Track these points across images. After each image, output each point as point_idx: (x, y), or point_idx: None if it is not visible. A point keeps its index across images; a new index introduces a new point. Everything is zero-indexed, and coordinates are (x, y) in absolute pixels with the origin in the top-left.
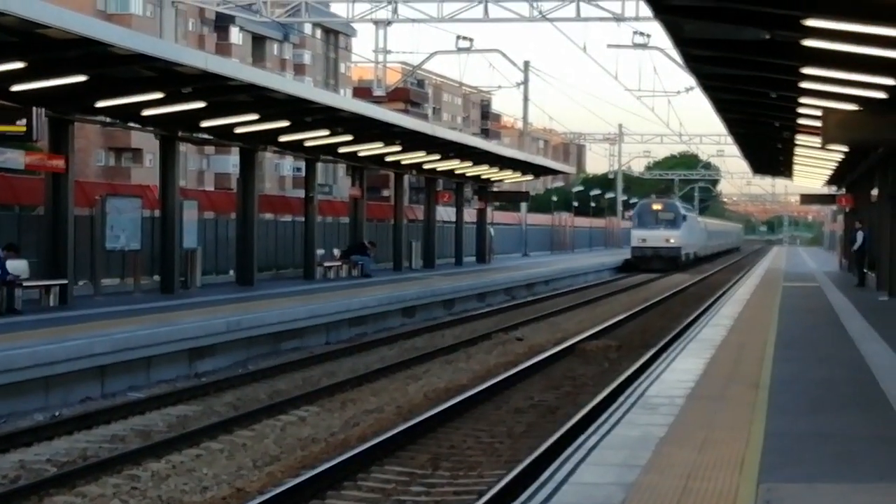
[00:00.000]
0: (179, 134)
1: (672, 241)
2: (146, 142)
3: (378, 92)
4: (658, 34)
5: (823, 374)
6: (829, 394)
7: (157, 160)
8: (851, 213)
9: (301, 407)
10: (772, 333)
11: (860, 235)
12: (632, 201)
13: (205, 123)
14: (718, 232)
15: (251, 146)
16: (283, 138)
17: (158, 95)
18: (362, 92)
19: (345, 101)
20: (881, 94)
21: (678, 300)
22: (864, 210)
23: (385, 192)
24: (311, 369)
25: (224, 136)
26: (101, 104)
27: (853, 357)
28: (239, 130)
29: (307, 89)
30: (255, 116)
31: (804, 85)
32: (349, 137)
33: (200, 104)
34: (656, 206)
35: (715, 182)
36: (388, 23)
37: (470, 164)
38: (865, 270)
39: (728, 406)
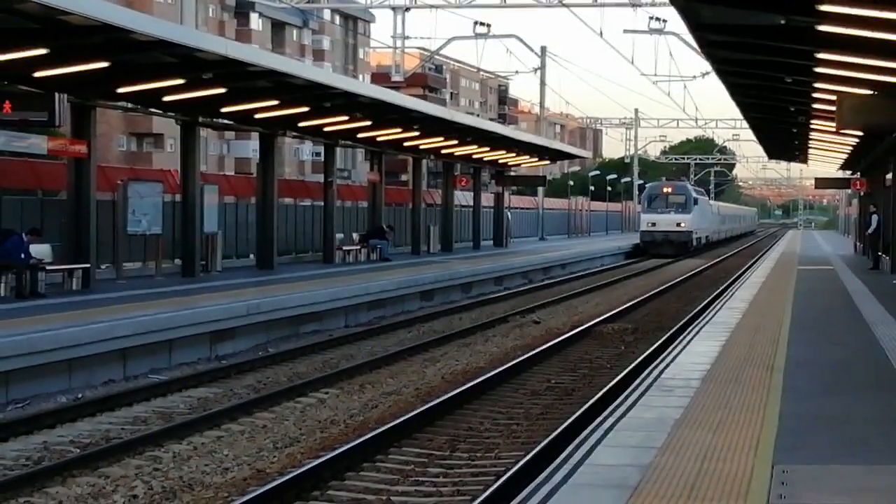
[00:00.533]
0: (200, 119)
1: (682, 225)
2: (167, 127)
3: (396, 77)
4: (674, 19)
5: (838, 356)
6: (844, 376)
7: (179, 145)
8: (866, 196)
9: (320, 389)
10: (787, 316)
11: (875, 219)
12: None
13: (225, 109)
14: (731, 215)
15: (271, 131)
16: (303, 123)
17: (179, 81)
18: (381, 77)
19: (363, 86)
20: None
21: (693, 283)
22: (878, 194)
23: (403, 177)
24: (331, 352)
25: (244, 122)
26: (122, 90)
27: (868, 340)
28: (259, 116)
29: (326, 75)
30: (274, 102)
31: (819, 70)
32: (368, 123)
33: (221, 90)
34: (666, 189)
35: (731, 166)
36: (407, 9)
37: (487, 148)
38: (880, 254)
39: (743, 388)
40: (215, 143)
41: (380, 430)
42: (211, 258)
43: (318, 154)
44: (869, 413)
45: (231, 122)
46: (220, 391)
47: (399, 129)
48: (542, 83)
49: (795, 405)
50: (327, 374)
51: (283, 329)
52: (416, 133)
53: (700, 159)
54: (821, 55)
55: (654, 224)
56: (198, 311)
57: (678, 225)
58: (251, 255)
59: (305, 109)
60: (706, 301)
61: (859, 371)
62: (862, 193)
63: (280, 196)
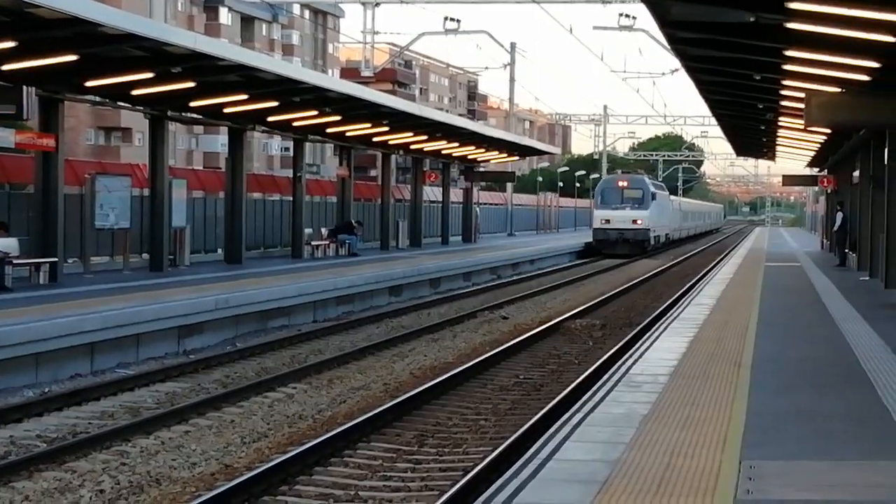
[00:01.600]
0: (169, 113)
1: (639, 222)
2: (136, 121)
3: (366, 72)
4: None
5: (805, 353)
6: (811, 373)
7: (147, 139)
8: (833, 194)
9: (289, 384)
10: (754, 313)
11: (840, 216)
12: None
13: (194, 103)
14: (695, 212)
15: (240, 126)
16: (272, 118)
17: (148, 75)
18: (350, 73)
19: (333, 81)
20: (863, 77)
21: (661, 280)
22: (845, 191)
23: (372, 172)
24: (299, 347)
25: (213, 116)
26: (91, 83)
27: (834, 336)
28: (228, 110)
29: (295, 69)
30: (243, 96)
31: (787, 67)
32: (337, 118)
33: (190, 84)
34: (622, 183)
35: (699, 163)
36: (377, 4)
37: (456, 144)
38: (846, 251)
39: (711, 384)
40: (184, 137)
41: (348, 425)
42: (179, 253)
43: (287, 149)
44: (835, 409)
45: (200, 117)
46: (188, 386)
47: (368, 125)
48: (512, 79)
49: (763, 401)
50: (295, 369)
51: (252, 324)
52: (386, 128)
53: (668, 156)
54: (789, 52)
55: (607, 221)
56: (166, 305)
57: (634, 222)
58: (219, 250)
59: (274, 104)
60: (674, 297)
61: (826, 367)
62: (829, 191)
63: (249, 191)
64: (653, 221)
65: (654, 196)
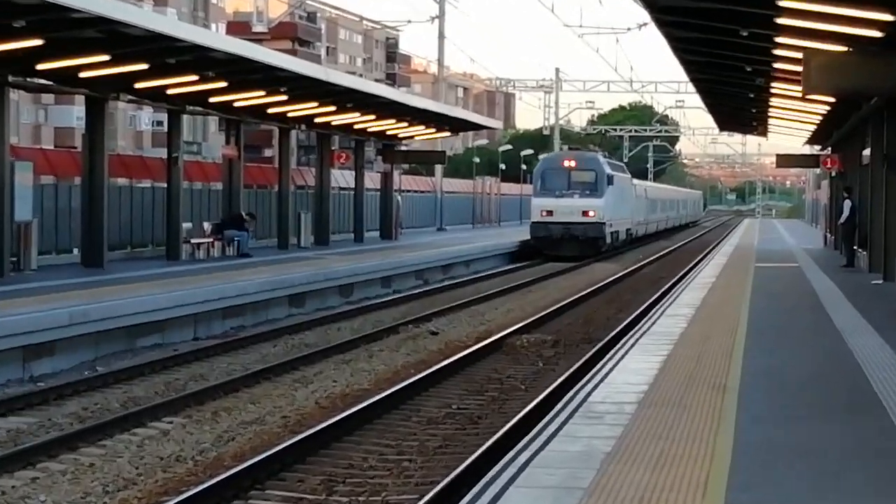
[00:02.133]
0: (9, 78)
1: (591, 213)
2: None
3: (259, 27)
4: None
5: (804, 372)
6: (811, 397)
7: None
8: (838, 177)
9: (163, 418)
10: (741, 324)
11: (848, 205)
12: None
13: (42, 65)
14: (666, 201)
15: (100, 94)
16: (141, 84)
17: None
18: (239, 27)
19: (217, 38)
20: (874, 33)
21: (628, 284)
22: (853, 174)
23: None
24: (176, 371)
25: (66, 82)
26: None
27: (840, 352)
28: (85, 74)
29: (170, 23)
30: (105, 57)
31: (782, 20)
32: (222, 84)
33: (37, 41)
34: (568, 163)
35: (673, 140)
36: None
37: (372, 117)
38: (855, 248)
39: (689, 413)
40: (29, 108)
41: (238, 468)
42: (24, 253)
43: (159, 123)
44: (841, 442)
45: (50, 83)
46: (36, 421)
47: (262, 93)
48: (441, 35)
49: (752, 433)
50: (171, 398)
51: (116, 342)
52: (284, 97)
53: (636, 131)
54: (783, 2)
55: (549, 213)
56: (6, 320)
57: (585, 214)
58: (75, 250)
59: (144, 67)
60: (644, 306)
61: (829, 390)
62: (833, 173)
63: (112, 176)
64: (609, 213)
65: (610, 180)
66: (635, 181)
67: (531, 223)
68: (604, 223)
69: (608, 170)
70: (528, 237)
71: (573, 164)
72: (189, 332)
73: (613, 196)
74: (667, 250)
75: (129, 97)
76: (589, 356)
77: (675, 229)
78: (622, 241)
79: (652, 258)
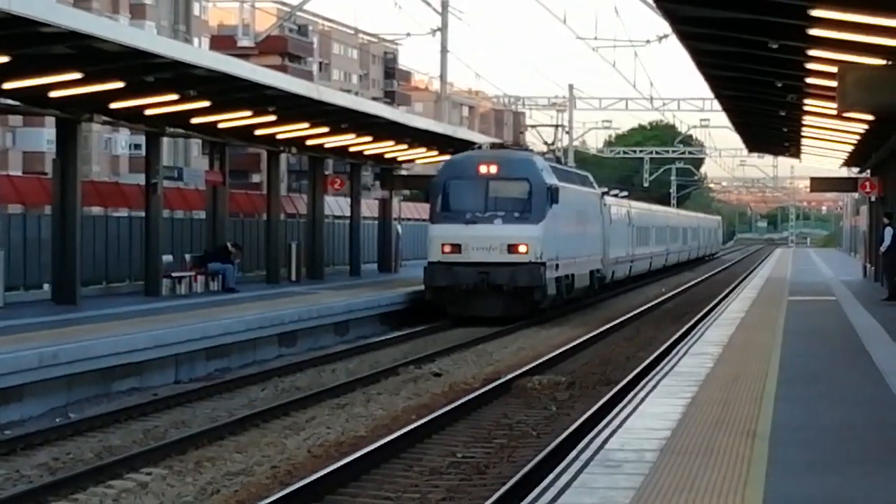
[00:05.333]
0: None
1: (523, 248)
2: None
3: (245, 41)
4: None
5: (842, 418)
6: (851, 446)
7: None
8: (878, 202)
9: (141, 469)
10: (773, 365)
11: (889, 233)
12: None
13: (9, 84)
14: (665, 228)
15: (72, 115)
16: (116, 104)
17: None
18: (224, 42)
19: (199, 53)
20: None
21: (649, 320)
22: (895, 199)
23: (255, 178)
24: (156, 417)
25: (35, 102)
26: None
27: (881, 397)
28: (55, 94)
29: (147, 38)
30: (77, 75)
31: (815, 32)
32: (206, 103)
33: (2, 58)
34: (486, 168)
35: (698, 162)
36: None
37: (369, 138)
38: None
39: (715, 462)
40: None
41: None
42: None
43: (137, 146)
44: (885, 496)
45: (17, 103)
46: (3, 473)
47: (248, 113)
48: (444, 50)
49: (785, 485)
50: (150, 447)
51: (90, 386)
52: (272, 118)
53: (657, 152)
54: (816, 12)
55: (455, 248)
56: None
57: (512, 249)
58: (45, 285)
59: (120, 85)
60: (666, 344)
61: (871, 438)
62: (873, 198)
63: (86, 204)
64: (552, 246)
65: (553, 194)
66: (610, 199)
67: (427, 264)
68: (541, 264)
69: (550, 178)
70: None
71: (494, 169)
72: (170, 375)
73: (561, 220)
74: (689, 284)
75: (104, 118)
76: (606, 399)
77: (679, 266)
78: (581, 289)
79: (676, 291)
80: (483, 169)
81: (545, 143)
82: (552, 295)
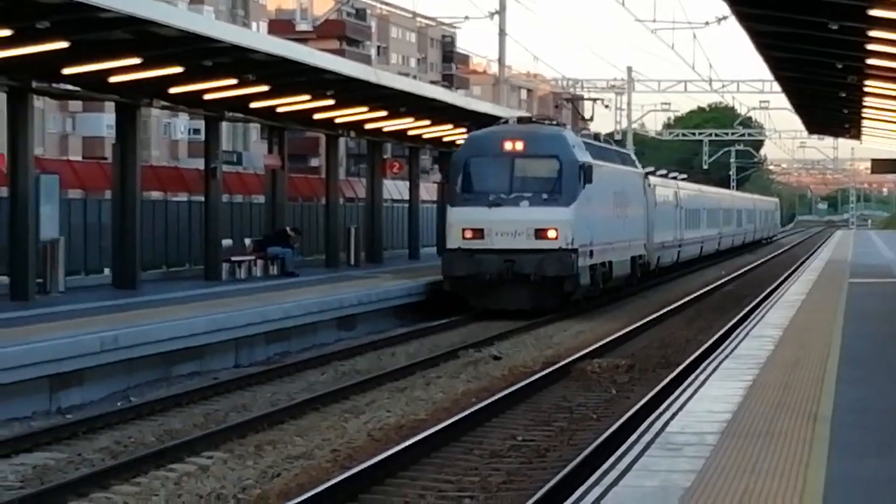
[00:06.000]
0: (34, 84)
1: (553, 233)
2: None
3: (303, 26)
4: None
5: None
6: None
7: (4, 120)
8: None
9: (202, 452)
10: (835, 347)
11: None
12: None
13: (68, 69)
14: (718, 210)
15: (132, 100)
16: (176, 89)
17: (5, 32)
18: (282, 26)
19: (258, 38)
20: None
21: (709, 303)
22: None
23: (314, 162)
24: (216, 402)
25: (95, 88)
26: None
27: None
28: (115, 79)
29: (206, 23)
30: (136, 60)
31: (875, 12)
32: (264, 88)
33: (62, 44)
34: (511, 145)
35: (758, 144)
36: None
37: (428, 122)
38: None
39: (776, 445)
40: (56, 116)
41: None
42: (51, 274)
43: (196, 131)
44: None
45: (77, 89)
46: (65, 456)
47: (307, 97)
48: (502, 33)
49: (848, 467)
50: (211, 431)
51: (151, 370)
52: (331, 102)
53: (716, 135)
54: None
55: (478, 233)
56: (31, 346)
57: (541, 234)
58: (106, 270)
59: (179, 70)
60: (726, 327)
61: None
62: None
63: (145, 189)
64: (586, 231)
65: (586, 173)
66: (656, 178)
67: (445, 252)
68: (573, 250)
69: (583, 156)
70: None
71: (520, 145)
72: (230, 359)
73: (595, 202)
74: (752, 264)
75: (163, 103)
76: (666, 382)
77: (737, 250)
78: (621, 278)
79: (737, 273)
80: (508, 145)
81: (582, 118)
82: (586, 285)
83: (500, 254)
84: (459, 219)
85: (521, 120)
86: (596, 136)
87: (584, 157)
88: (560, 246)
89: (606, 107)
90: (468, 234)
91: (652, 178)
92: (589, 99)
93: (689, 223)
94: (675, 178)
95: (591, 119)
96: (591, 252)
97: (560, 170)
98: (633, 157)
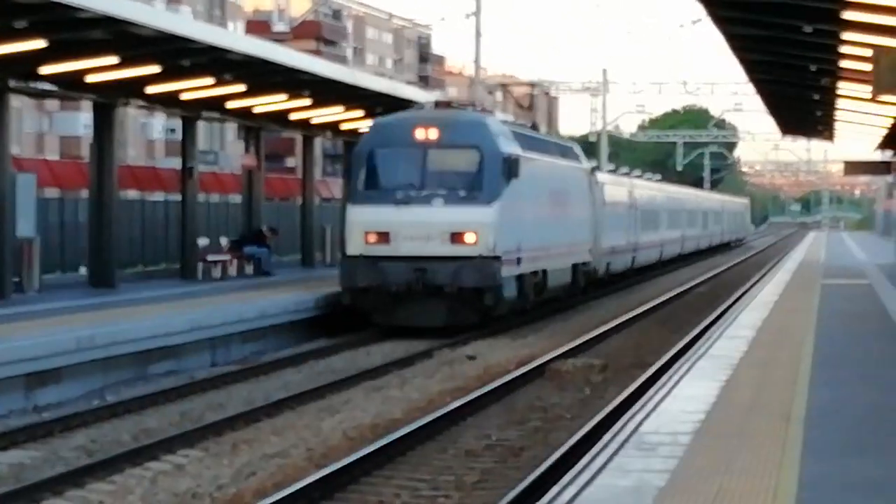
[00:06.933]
0: (11, 83)
1: (471, 236)
2: None
3: (280, 26)
4: None
5: (877, 401)
6: (885, 428)
7: None
8: None
9: (178, 451)
10: (807, 348)
11: None
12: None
13: (45, 69)
14: (681, 212)
15: (109, 100)
16: (152, 89)
17: None
18: (259, 26)
19: (235, 38)
20: None
21: (683, 304)
22: None
23: (290, 162)
24: (192, 400)
25: (72, 87)
26: None
27: None
28: (92, 78)
29: (183, 23)
30: (114, 60)
31: (848, 15)
32: (241, 87)
33: (40, 43)
34: (422, 133)
35: (731, 146)
36: None
37: None
38: None
39: (749, 445)
40: (32, 115)
41: None
42: (26, 273)
43: (173, 131)
44: None
45: (54, 88)
46: (41, 455)
47: (283, 97)
48: (478, 34)
49: (820, 468)
50: (187, 430)
51: (127, 369)
52: (307, 102)
53: (690, 136)
54: None
55: (382, 236)
56: (7, 345)
57: (456, 238)
58: (82, 269)
59: (156, 70)
60: (700, 328)
61: None
62: None
63: (122, 188)
64: (511, 234)
65: (512, 166)
66: (605, 175)
67: (343, 259)
68: (496, 258)
69: (509, 146)
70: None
71: (434, 134)
72: (206, 358)
73: (525, 200)
74: (725, 266)
75: (140, 103)
76: (640, 382)
77: (702, 254)
78: (558, 288)
79: (711, 273)
80: (420, 134)
81: (520, 106)
82: (511, 298)
83: (408, 261)
84: (361, 220)
85: (438, 104)
86: (533, 126)
87: (512, 147)
88: (480, 252)
89: (546, 94)
90: (371, 239)
91: (601, 175)
92: (526, 84)
93: (646, 225)
94: (635, 176)
95: (530, 108)
96: (519, 259)
97: (481, 162)
98: (578, 150)
